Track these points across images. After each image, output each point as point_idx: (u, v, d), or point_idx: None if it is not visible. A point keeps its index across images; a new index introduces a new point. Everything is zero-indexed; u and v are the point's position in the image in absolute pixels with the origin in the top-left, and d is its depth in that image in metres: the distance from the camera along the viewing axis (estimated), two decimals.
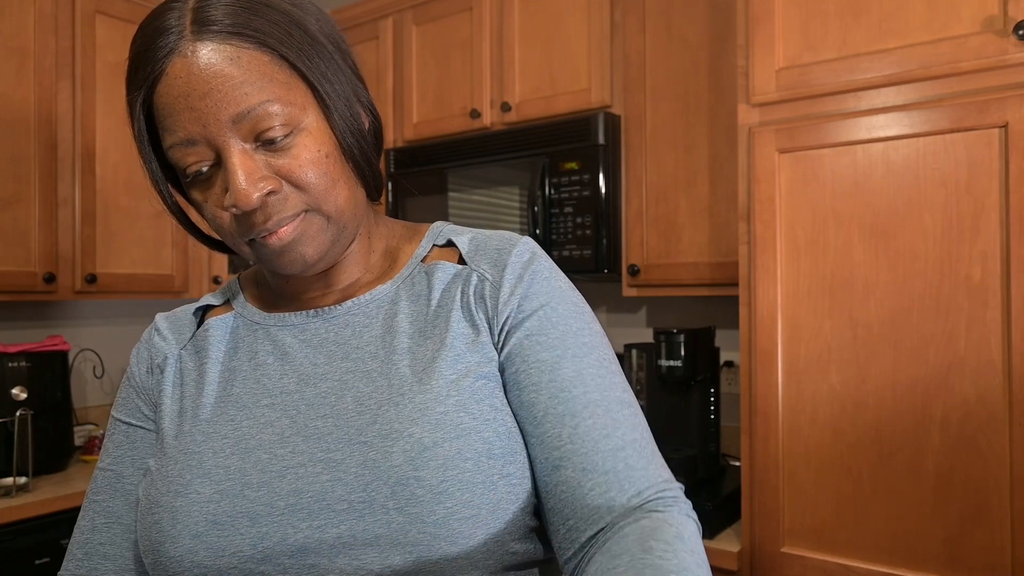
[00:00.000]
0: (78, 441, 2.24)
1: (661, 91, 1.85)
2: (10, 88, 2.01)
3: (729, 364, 2.02)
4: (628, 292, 1.91)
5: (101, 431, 2.30)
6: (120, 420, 0.71)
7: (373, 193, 0.69)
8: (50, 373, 2.04)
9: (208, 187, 0.61)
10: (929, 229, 1.25)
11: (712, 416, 1.78)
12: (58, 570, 1.78)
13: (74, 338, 2.46)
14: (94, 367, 2.54)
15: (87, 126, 2.17)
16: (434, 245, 0.72)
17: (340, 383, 0.63)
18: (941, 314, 1.24)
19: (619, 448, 0.59)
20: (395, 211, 2.23)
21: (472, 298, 0.65)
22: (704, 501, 1.54)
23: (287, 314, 0.69)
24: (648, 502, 0.58)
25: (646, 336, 2.20)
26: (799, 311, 1.38)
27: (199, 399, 0.66)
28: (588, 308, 0.68)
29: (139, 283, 2.31)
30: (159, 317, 0.75)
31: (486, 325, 0.64)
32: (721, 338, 1.98)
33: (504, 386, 0.64)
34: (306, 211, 0.61)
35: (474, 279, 0.66)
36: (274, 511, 0.58)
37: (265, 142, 0.58)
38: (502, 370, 0.64)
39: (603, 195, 1.84)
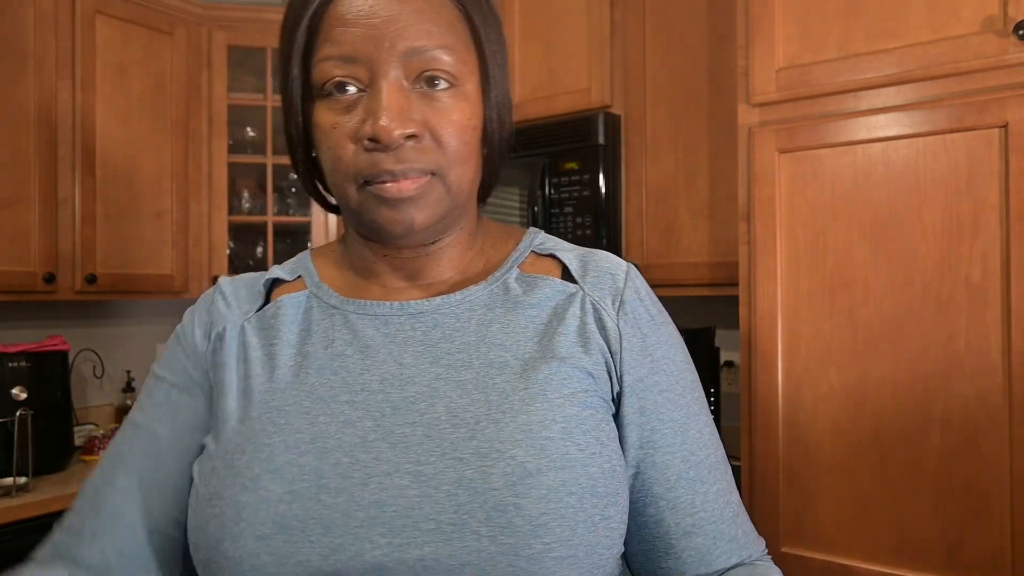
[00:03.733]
0: (78, 441, 2.24)
1: (661, 91, 1.85)
2: (10, 88, 2.01)
3: (729, 364, 2.02)
4: None
5: (101, 431, 2.30)
6: (163, 379, 0.66)
7: (485, 191, 0.68)
8: (50, 373, 2.04)
9: (344, 111, 0.57)
10: (929, 229, 1.25)
11: (712, 416, 1.78)
12: None
13: (74, 338, 2.46)
14: (94, 367, 2.54)
15: (87, 126, 2.17)
16: (532, 252, 0.68)
17: (430, 389, 0.58)
18: (941, 314, 1.24)
19: (737, 514, 0.66)
20: None
21: (588, 322, 0.61)
22: None
23: (369, 302, 0.63)
24: (753, 559, 0.66)
25: None
26: (799, 311, 1.38)
27: (269, 383, 0.60)
28: (683, 341, 0.69)
29: (139, 283, 2.31)
30: (224, 281, 0.69)
31: (601, 355, 0.61)
32: (721, 338, 1.98)
33: (622, 426, 0.62)
34: (433, 174, 0.58)
35: (588, 303, 0.62)
36: (351, 521, 0.53)
37: (427, 80, 0.57)
38: (617, 404, 0.62)
39: (603, 195, 1.84)
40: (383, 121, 0.54)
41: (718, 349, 1.82)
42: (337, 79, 0.57)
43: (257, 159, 2.56)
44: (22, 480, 1.83)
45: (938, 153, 1.25)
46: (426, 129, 0.57)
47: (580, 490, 0.54)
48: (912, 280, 1.27)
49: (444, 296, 0.63)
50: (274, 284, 0.68)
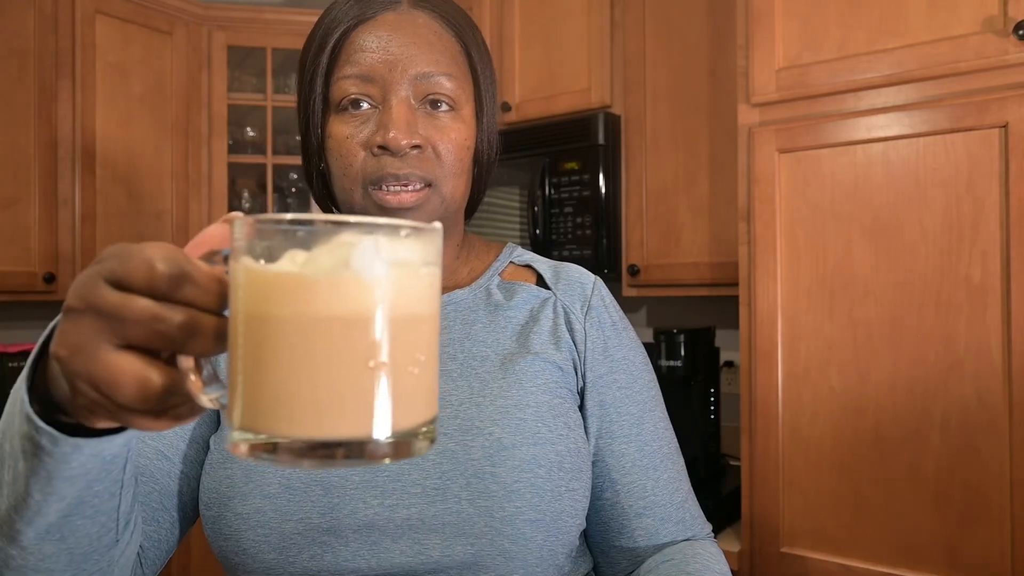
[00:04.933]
0: None
1: (661, 91, 1.85)
2: (10, 88, 2.01)
3: (729, 364, 2.02)
4: (628, 292, 1.91)
5: None
6: None
7: (472, 207, 0.77)
8: None
9: (357, 123, 0.65)
10: (929, 229, 1.25)
11: (712, 416, 1.78)
12: None
13: None
14: None
15: (87, 126, 2.17)
16: (511, 262, 0.77)
17: None
18: (941, 314, 1.24)
19: (685, 499, 0.73)
20: None
21: (559, 323, 0.71)
22: (704, 501, 1.54)
23: None
24: (698, 539, 0.73)
25: (646, 336, 2.19)
26: (799, 311, 1.38)
27: None
28: (642, 345, 0.78)
29: None
30: None
31: (570, 352, 0.70)
32: (721, 338, 1.98)
33: (585, 416, 0.71)
34: (430, 184, 0.65)
35: (560, 307, 0.72)
36: (349, 484, 0.60)
37: (431, 102, 0.66)
38: (582, 397, 0.71)
39: (603, 195, 1.84)
40: (392, 132, 0.62)
41: (718, 349, 1.82)
42: (353, 96, 0.65)
43: (257, 159, 2.56)
44: None
45: (938, 153, 1.25)
46: (428, 143, 0.65)
47: (549, 464, 0.62)
48: (912, 280, 1.27)
49: None
50: None
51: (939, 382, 1.24)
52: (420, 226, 0.35)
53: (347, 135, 0.65)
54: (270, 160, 2.54)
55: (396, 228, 0.33)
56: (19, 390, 0.42)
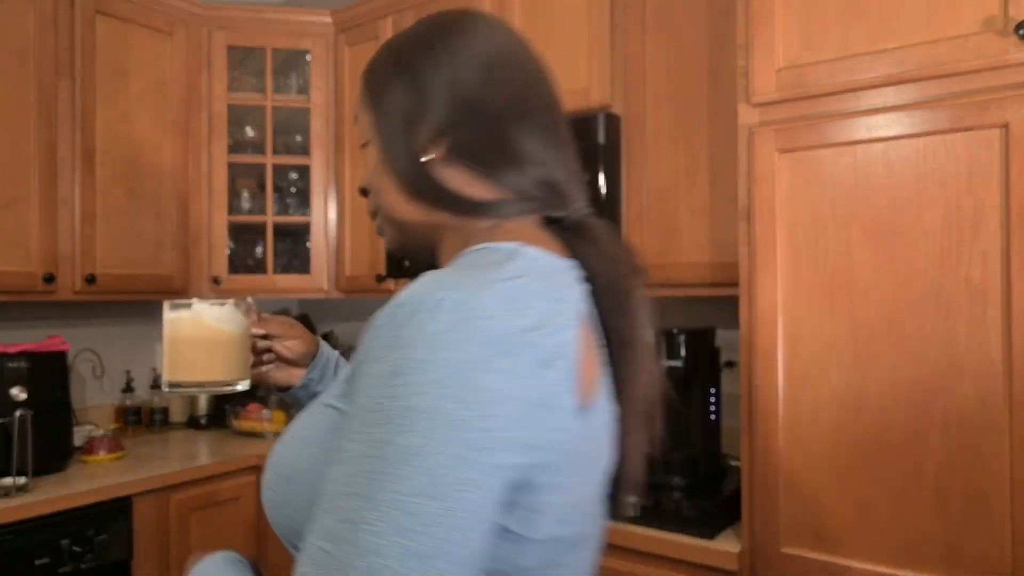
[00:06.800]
0: (78, 441, 2.24)
1: (661, 91, 1.85)
2: (10, 88, 2.01)
3: (729, 364, 2.02)
4: None
5: (101, 431, 2.30)
6: None
7: (443, 211, 0.66)
8: (50, 373, 2.03)
9: None
10: (929, 229, 1.25)
11: (712, 416, 1.78)
12: (57, 570, 1.79)
13: (74, 338, 2.46)
14: (94, 367, 2.54)
15: (87, 126, 2.17)
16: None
17: None
18: (941, 314, 1.24)
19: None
20: None
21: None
22: (704, 501, 1.54)
23: None
24: None
25: None
26: (799, 311, 1.38)
27: None
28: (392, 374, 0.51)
29: (139, 283, 2.31)
30: None
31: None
32: (721, 338, 1.98)
33: None
34: (375, 214, 0.72)
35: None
36: None
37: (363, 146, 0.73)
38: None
39: (603, 195, 1.84)
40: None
41: (718, 349, 1.82)
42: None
43: (257, 159, 2.56)
44: (22, 480, 1.83)
45: (938, 153, 1.25)
46: (364, 179, 0.74)
47: (277, 473, 0.65)
48: (912, 280, 1.27)
49: None
50: None
51: (939, 382, 1.24)
52: (226, 300, 0.89)
53: None
54: (270, 160, 2.54)
55: (218, 301, 0.88)
56: None
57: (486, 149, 0.65)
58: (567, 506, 0.57)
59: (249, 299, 0.91)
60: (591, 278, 0.64)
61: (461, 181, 0.65)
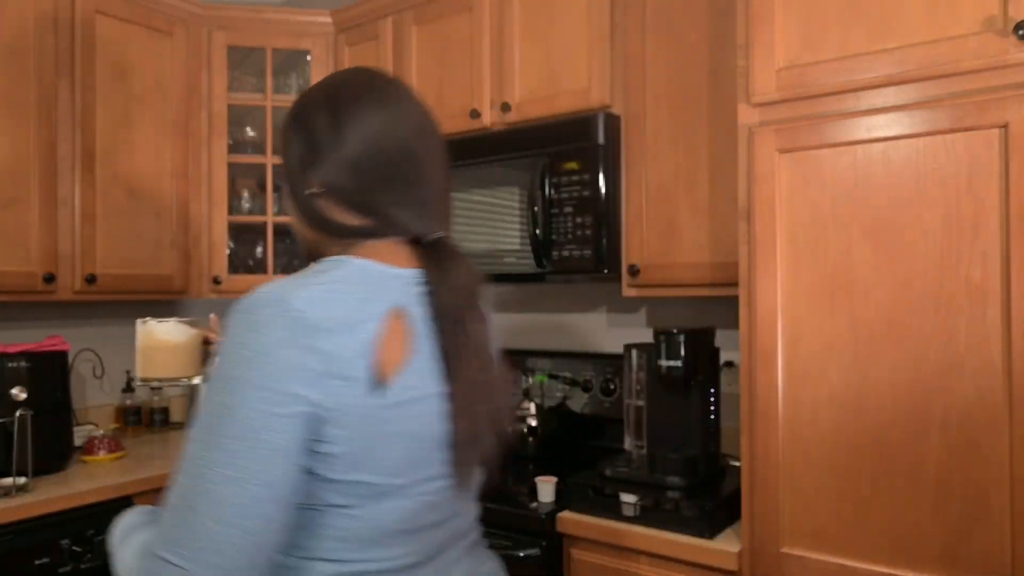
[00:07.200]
0: (78, 441, 2.24)
1: (661, 91, 1.85)
2: (10, 88, 2.01)
3: (729, 364, 2.02)
4: (628, 292, 1.91)
5: (101, 431, 2.30)
6: None
7: (324, 232, 0.86)
8: (50, 373, 2.03)
9: None
10: (929, 229, 1.25)
11: (712, 416, 1.78)
12: (56, 570, 1.79)
13: (74, 338, 2.46)
14: (94, 367, 2.54)
15: (87, 126, 2.17)
16: None
17: None
18: (941, 314, 1.24)
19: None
20: None
21: None
22: (704, 501, 1.54)
23: None
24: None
25: (646, 336, 2.19)
26: (799, 311, 1.38)
27: None
28: (236, 366, 0.72)
29: (139, 283, 2.31)
30: None
31: None
32: (721, 338, 1.98)
33: None
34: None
35: None
36: None
37: None
38: None
39: (603, 195, 1.84)
40: None
41: (718, 349, 1.82)
42: None
43: (257, 159, 2.56)
44: (22, 480, 1.83)
45: (938, 153, 1.25)
46: None
47: None
48: (912, 280, 1.27)
49: None
50: None
51: (939, 382, 1.24)
52: (186, 320, 1.21)
53: None
54: (270, 160, 2.54)
55: (169, 320, 1.20)
56: None
57: (356, 196, 0.84)
58: (358, 456, 0.73)
59: (212, 316, 1.20)
60: (432, 286, 0.82)
61: (337, 212, 0.85)
